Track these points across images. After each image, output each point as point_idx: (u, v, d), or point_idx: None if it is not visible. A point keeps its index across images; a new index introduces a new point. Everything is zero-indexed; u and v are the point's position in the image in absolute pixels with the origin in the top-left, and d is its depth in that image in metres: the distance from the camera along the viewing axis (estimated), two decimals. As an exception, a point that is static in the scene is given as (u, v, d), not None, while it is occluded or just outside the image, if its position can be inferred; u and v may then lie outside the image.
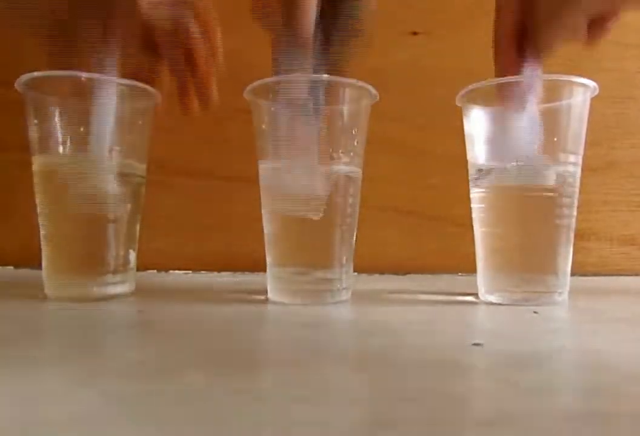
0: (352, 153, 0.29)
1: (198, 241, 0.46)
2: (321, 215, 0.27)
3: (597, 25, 0.28)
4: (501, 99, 0.28)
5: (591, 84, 0.28)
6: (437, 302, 0.30)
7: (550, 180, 0.28)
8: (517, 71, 0.29)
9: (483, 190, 0.29)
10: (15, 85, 0.28)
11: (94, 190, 0.28)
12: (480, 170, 0.29)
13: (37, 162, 0.29)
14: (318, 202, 0.27)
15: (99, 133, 0.28)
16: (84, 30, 0.28)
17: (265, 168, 0.29)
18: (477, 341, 0.20)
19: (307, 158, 0.27)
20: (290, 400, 0.13)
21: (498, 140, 0.29)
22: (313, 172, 0.27)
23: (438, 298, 0.31)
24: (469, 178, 0.31)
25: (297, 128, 0.27)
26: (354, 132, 0.29)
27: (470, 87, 0.29)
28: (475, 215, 0.30)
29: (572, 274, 0.29)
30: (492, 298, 0.29)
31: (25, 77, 0.27)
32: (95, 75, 0.28)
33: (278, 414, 0.13)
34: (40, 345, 0.19)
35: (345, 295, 0.30)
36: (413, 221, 0.46)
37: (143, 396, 0.14)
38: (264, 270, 0.30)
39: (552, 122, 0.28)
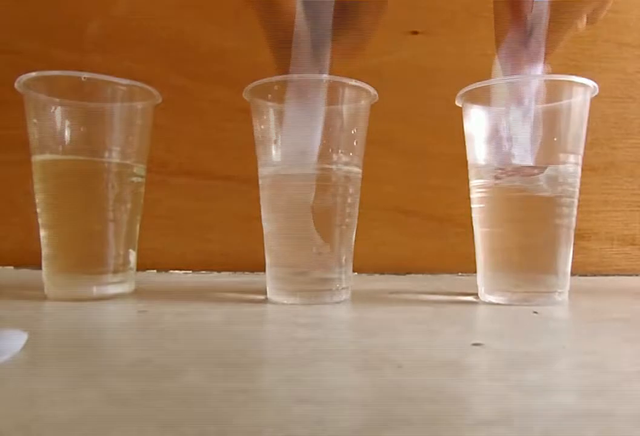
0: (351, 154, 0.29)
1: (198, 241, 0.46)
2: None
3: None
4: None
5: (591, 83, 0.28)
6: (437, 302, 0.30)
7: (550, 181, 0.28)
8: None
9: (483, 190, 0.29)
10: (15, 85, 0.28)
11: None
12: (501, 171, 0.29)
13: (37, 162, 0.29)
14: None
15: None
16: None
17: (266, 171, 0.29)
18: (477, 341, 0.20)
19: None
20: (290, 400, 0.13)
21: (498, 139, 0.29)
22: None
23: (438, 298, 0.31)
24: (469, 177, 0.31)
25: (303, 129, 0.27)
26: (353, 132, 0.29)
27: (470, 86, 0.29)
28: (475, 215, 0.30)
29: (572, 274, 0.29)
30: (492, 298, 0.29)
31: (25, 77, 0.27)
32: (95, 75, 0.28)
33: (278, 414, 0.13)
34: (40, 345, 0.19)
35: (345, 295, 0.30)
36: (413, 221, 0.46)
37: (143, 396, 0.14)
38: (264, 270, 0.30)
39: (552, 122, 0.28)
